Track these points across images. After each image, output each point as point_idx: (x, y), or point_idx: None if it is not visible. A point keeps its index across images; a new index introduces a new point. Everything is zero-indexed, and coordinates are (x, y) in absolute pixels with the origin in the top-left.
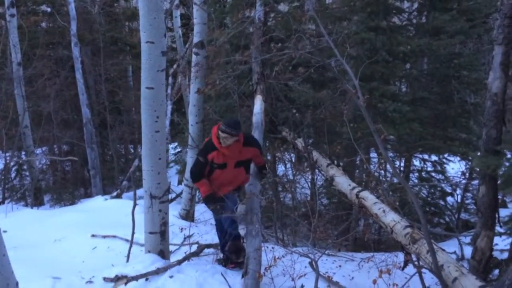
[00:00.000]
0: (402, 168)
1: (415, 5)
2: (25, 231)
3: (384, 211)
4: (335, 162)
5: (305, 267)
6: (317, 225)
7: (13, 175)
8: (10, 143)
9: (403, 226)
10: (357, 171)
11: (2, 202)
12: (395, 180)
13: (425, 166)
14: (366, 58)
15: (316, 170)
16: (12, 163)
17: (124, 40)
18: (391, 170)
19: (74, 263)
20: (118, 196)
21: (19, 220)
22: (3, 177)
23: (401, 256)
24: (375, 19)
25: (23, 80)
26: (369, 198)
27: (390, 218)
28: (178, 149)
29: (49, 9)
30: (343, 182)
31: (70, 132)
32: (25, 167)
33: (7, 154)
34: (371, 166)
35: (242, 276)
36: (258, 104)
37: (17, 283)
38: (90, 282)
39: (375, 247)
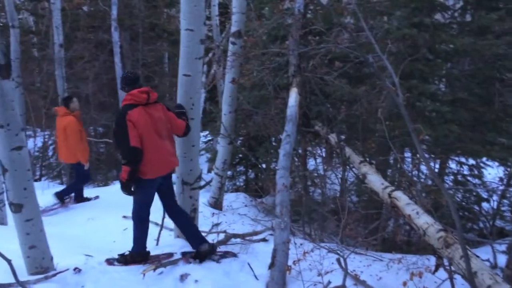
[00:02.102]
0: (437, 170)
1: (460, 3)
2: (59, 208)
3: (417, 212)
4: (368, 159)
5: (332, 263)
6: (348, 222)
7: (50, 153)
8: (49, 122)
9: (437, 229)
10: (389, 170)
11: (39, 179)
12: (429, 182)
13: (462, 169)
14: (407, 55)
15: (347, 167)
16: (49, 142)
17: (162, 26)
18: (425, 171)
19: (105, 242)
20: None
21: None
22: (40, 155)
23: (433, 260)
24: (418, 15)
25: (63, 62)
26: (402, 199)
27: (423, 220)
28: (209, 138)
29: None
30: (375, 181)
31: (106, 114)
32: None
33: (46, 133)
34: (405, 166)
35: (269, 268)
36: (293, 97)
37: (52, 258)
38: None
39: (405, 249)
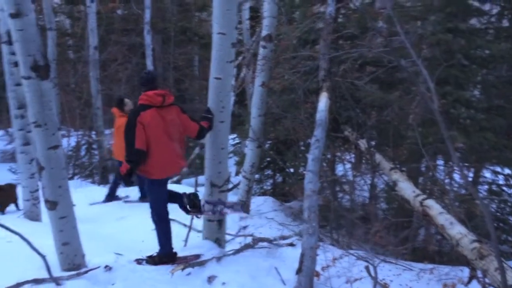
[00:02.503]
0: (471, 179)
1: (497, 8)
2: (90, 207)
3: (450, 222)
4: (399, 166)
5: (361, 271)
6: (377, 230)
7: (83, 153)
8: (82, 123)
9: (471, 240)
10: (421, 178)
11: (72, 178)
12: (463, 191)
13: (497, 178)
14: (441, 60)
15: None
16: (82, 142)
17: (193, 30)
18: (459, 180)
19: (134, 241)
20: (178, 182)
21: (86, 196)
22: (74, 154)
23: (466, 271)
24: (453, 20)
25: (98, 64)
26: (434, 207)
27: (457, 230)
28: (237, 141)
29: None
30: (406, 188)
31: None
32: (94, 146)
33: (79, 133)
34: (437, 174)
35: (297, 273)
36: (323, 102)
37: (83, 255)
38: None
39: (436, 259)
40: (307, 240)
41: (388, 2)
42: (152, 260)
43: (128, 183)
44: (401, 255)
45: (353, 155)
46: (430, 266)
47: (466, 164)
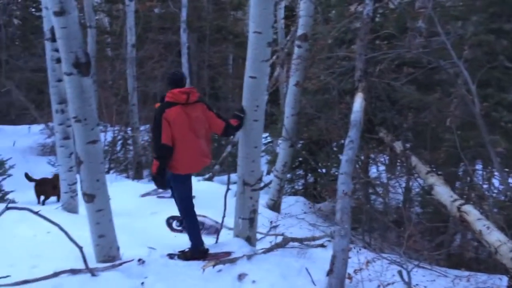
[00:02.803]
0: (510, 186)
1: None
2: (125, 201)
3: (488, 228)
4: (435, 170)
5: (393, 275)
6: (412, 234)
7: (118, 148)
8: (119, 119)
9: (510, 248)
10: (458, 182)
11: (107, 172)
12: (502, 197)
13: None
14: (483, 62)
15: (412, 176)
16: (118, 137)
17: (228, 29)
18: (498, 185)
19: (167, 237)
20: (210, 179)
21: (121, 190)
22: (110, 149)
23: (505, 280)
24: (497, 20)
25: (135, 61)
26: (472, 213)
27: (496, 237)
28: (269, 140)
29: None
30: (443, 193)
31: None
32: (129, 142)
33: (115, 128)
34: (476, 179)
35: (327, 274)
36: (359, 102)
37: (118, 247)
38: (180, 259)
39: (472, 266)
40: (338, 242)
41: (428, 2)
42: (184, 255)
43: (161, 184)
44: (436, 260)
45: (387, 157)
46: (466, 273)
47: (507, 170)
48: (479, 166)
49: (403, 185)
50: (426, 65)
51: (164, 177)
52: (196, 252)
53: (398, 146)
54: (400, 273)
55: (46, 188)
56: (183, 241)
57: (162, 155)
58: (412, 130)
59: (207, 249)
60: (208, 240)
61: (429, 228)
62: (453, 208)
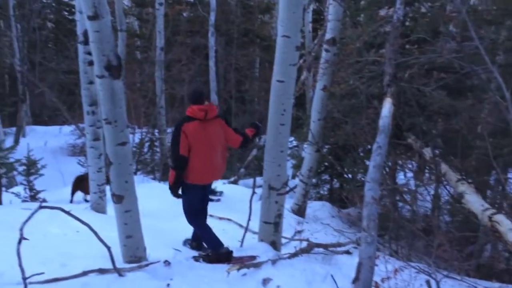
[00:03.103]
0: None
1: None
2: (151, 202)
3: None
4: (466, 178)
5: (421, 285)
6: (441, 243)
7: (145, 149)
8: (146, 121)
9: None
10: (489, 191)
11: (134, 173)
12: None
13: None
14: None
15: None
16: (146, 139)
17: (256, 32)
18: None
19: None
20: (235, 182)
21: (147, 191)
22: (137, 151)
23: None
24: None
25: (163, 64)
26: (504, 223)
27: None
28: (294, 144)
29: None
30: (474, 201)
31: None
32: (156, 143)
33: (143, 130)
34: (508, 188)
35: (353, 282)
36: (387, 107)
37: (145, 248)
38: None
39: (504, 278)
40: (365, 249)
41: (462, 6)
42: (207, 258)
43: (177, 195)
44: (465, 271)
45: (415, 164)
46: (497, 285)
47: None
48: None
49: (432, 192)
50: (457, 70)
51: (179, 185)
52: (218, 254)
53: (427, 152)
54: (428, 283)
55: (85, 184)
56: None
57: (179, 166)
58: (442, 137)
59: (231, 251)
60: (233, 243)
61: (459, 237)
62: (484, 218)
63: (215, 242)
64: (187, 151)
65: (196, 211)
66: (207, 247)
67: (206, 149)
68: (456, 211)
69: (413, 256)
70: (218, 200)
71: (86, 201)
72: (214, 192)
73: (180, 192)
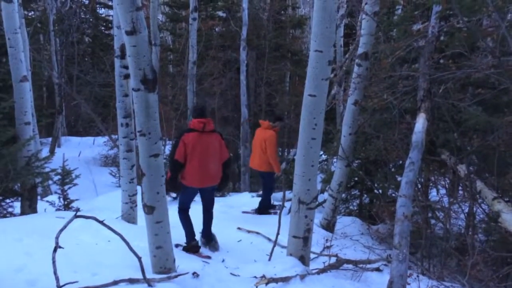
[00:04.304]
0: None
1: None
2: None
3: None
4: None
5: None
6: (476, 262)
7: None
8: (177, 133)
9: None
10: None
11: None
12: None
13: None
14: None
15: (476, 202)
16: None
17: (287, 47)
18: None
19: (220, 251)
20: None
21: (173, 203)
22: (167, 163)
23: None
24: None
25: (195, 78)
26: None
27: None
28: (324, 158)
29: (224, 15)
30: (511, 221)
31: (229, 128)
32: None
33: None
34: None
35: None
36: (421, 123)
37: (174, 259)
38: (233, 274)
39: None
40: (396, 267)
41: (502, 21)
42: (184, 248)
43: (171, 189)
44: None
45: (448, 181)
46: None
47: None
48: None
49: (466, 210)
50: (495, 86)
51: (175, 184)
52: (188, 245)
53: (462, 169)
54: None
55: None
56: (236, 255)
57: (172, 168)
58: (478, 153)
59: (199, 246)
60: (261, 257)
61: (495, 257)
62: None
63: (190, 236)
64: (182, 157)
65: (185, 208)
66: (185, 236)
67: (201, 157)
68: (492, 230)
69: (446, 275)
70: (276, 213)
71: None
72: (274, 207)
73: (177, 188)
